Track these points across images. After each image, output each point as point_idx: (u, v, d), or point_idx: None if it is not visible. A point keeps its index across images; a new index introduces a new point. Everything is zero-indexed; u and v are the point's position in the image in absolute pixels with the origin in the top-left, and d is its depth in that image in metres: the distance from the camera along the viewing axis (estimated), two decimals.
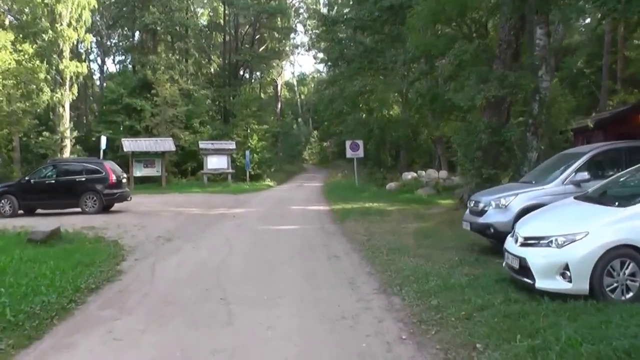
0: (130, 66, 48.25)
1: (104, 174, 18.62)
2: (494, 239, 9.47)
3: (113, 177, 18.61)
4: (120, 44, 52.25)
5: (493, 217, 9.36)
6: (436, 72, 17.27)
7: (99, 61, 54.75)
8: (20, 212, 18.77)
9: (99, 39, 52.51)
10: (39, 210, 19.06)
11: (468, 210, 10.34)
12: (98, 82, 55.02)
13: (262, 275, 8.83)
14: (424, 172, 26.78)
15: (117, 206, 20.14)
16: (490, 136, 12.96)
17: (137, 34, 49.71)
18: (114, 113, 40.03)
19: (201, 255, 10.84)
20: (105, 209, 19.16)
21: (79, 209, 18.56)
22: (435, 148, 36.47)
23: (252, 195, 28.42)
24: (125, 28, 48.10)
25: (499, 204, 9.38)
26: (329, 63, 40.61)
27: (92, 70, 54.94)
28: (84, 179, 18.60)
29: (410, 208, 18.50)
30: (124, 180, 19.69)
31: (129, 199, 19.72)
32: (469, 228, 9.91)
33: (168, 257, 10.62)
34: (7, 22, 29.38)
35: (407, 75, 28.50)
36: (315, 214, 18.25)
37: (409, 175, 26.94)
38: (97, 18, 49.27)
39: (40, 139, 32.85)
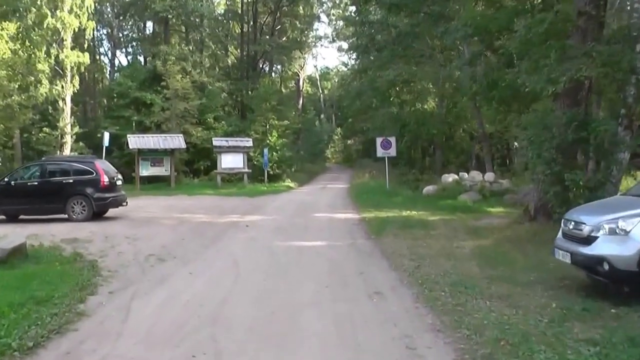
0: (141, 58, 46.09)
1: (94, 175, 16.21)
2: (609, 279, 6.75)
3: (105, 179, 16.18)
4: (131, 35, 50.07)
5: (608, 247, 6.59)
6: (493, 53, 14.65)
7: (109, 54, 52.79)
8: (1, 217, 16.57)
9: (109, 30, 50.56)
10: (23, 217, 16.76)
11: (562, 232, 7.58)
12: (109, 76, 52.96)
13: (277, 330, 6.25)
14: (466, 174, 24.04)
15: (113, 211, 17.77)
16: (574, 131, 10.23)
17: (149, 25, 47.81)
18: (122, 108, 37.92)
19: (197, 287, 8.32)
20: (98, 215, 16.80)
21: (66, 216, 16.20)
22: (473, 146, 33.83)
23: (270, 199, 25.89)
24: (136, 17, 45.82)
25: (617, 229, 6.63)
26: (357, 51, 37.79)
27: (104, 64, 53.24)
28: (71, 181, 16.23)
29: (457, 219, 15.84)
30: (119, 183, 17.22)
31: (124, 203, 17.28)
32: (569, 260, 7.11)
33: (152, 290, 8.13)
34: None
35: (446, 64, 25.89)
36: (343, 225, 15.63)
37: (449, 178, 24.23)
38: (108, 9, 47.36)
39: (40, 134, 30.79)
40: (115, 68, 49.61)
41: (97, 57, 51.34)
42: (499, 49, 13.41)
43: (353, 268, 9.50)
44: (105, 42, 52.80)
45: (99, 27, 49.15)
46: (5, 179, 16.68)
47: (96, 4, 44.69)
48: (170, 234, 14.05)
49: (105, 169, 16.68)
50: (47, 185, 16.20)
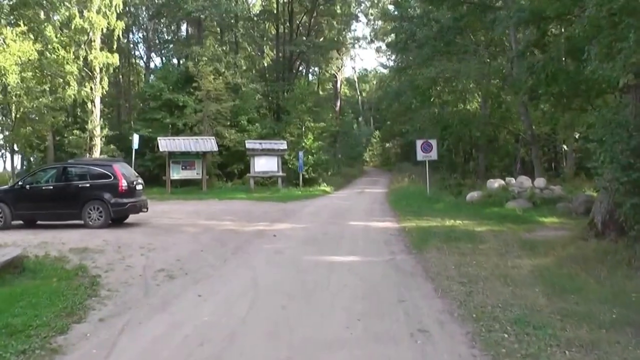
0: (174, 60, 45.26)
1: (112, 179, 15.01)
2: None
3: (123, 183, 14.95)
4: (165, 37, 49.35)
5: None
6: (548, 42, 12.98)
7: (145, 57, 52.19)
8: (19, 222, 15.55)
9: (145, 34, 50.03)
10: (40, 222, 15.72)
11: None
12: (144, 79, 52.43)
13: None
14: (512, 179, 22.16)
15: (135, 217, 16.60)
16: None
17: (183, 27, 46.95)
18: (154, 110, 37.02)
19: (203, 315, 6.90)
20: (117, 221, 15.65)
21: (82, 222, 15.07)
22: (518, 149, 31.84)
23: (304, 204, 24.49)
24: (169, 18, 44.99)
25: None
26: (397, 48, 36.10)
27: (140, 67, 52.72)
28: (87, 185, 15.08)
29: (507, 230, 14.09)
30: (139, 187, 15.96)
31: (144, 209, 16.06)
32: None
33: (150, 319, 6.78)
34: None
35: (491, 59, 24.14)
36: (381, 235, 14.05)
37: (495, 184, 22.33)
38: (143, 12, 46.76)
39: (70, 137, 30.05)
40: (150, 71, 49.00)
41: (133, 60, 50.94)
42: (556, 37, 11.66)
43: (392, 292, 7.96)
44: (140, 45, 52.37)
45: (134, 30, 48.86)
46: (20, 183, 15.67)
47: (131, 7, 44.44)
48: (189, 244, 12.75)
49: (124, 172, 15.45)
50: (63, 190, 15.08)
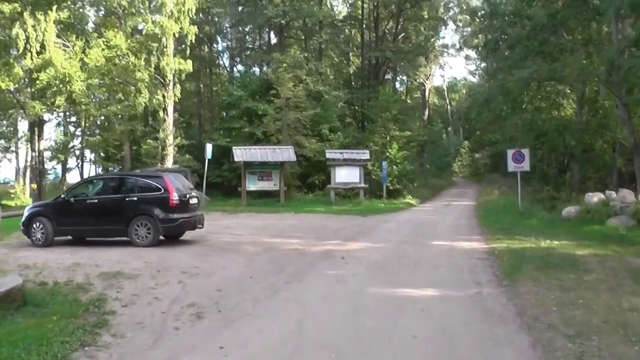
0: (255, 68, 44.31)
1: (162, 192, 13.38)
2: None
3: (174, 197, 13.26)
4: (247, 45, 48.55)
5: None
6: None
7: (229, 66, 51.63)
8: (67, 238, 14.30)
9: (229, 43, 49.57)
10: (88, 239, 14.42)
11: None
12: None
13: None
14: (613, 193, 19.08)
15: (193, 233, 14.98)
16: None
17: (267, 34, 45.97)
18: (233, 119, 35.97)
19: None
20: (171, 238, 14.08)
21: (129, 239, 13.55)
22: (615, 159, 28.26)
23: (385, 219, 22.29)
24: (251, 25, 44.08)
25: None
26: (486, 49, 33.33)
27: (223, 76, 52.29)
28: (135, 199, 13.49)
29: (613, 254, 11.45)
30: (193, 201, 14.23)
31: (199, 226, 14.34)
32: None
33: None
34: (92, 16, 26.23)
35: (590, 58, 21.24)
36: (466, 259, 11.62)
37: (593, 197, 19.39)
38: (226, 22, 46.23)
39: (144, 146, 29.34)
40: (232, 79, 48.43)
41: (217, 69, 50.55)
42: None
43: (475, 350, 5.72)
44: (225, 55, 51.95)
45: (218, 39, 48.48)
46: (62, 195, 14.36)
47: (215, 17, 43.98)
48: (240, 268, 10.88)
49: (176, 185, 13.81)
50: (108, 204, 13.59)
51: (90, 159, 28.76)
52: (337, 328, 6.69)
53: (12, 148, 36.77)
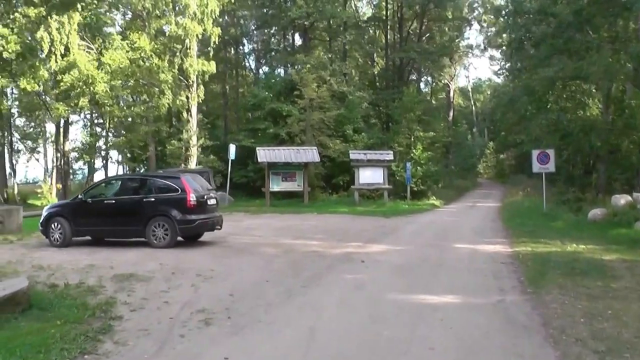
0: (280, 70, 43.96)
1: (179, 192, 13.03)
2: None
3: (192, 198, 12.88)
4: (272, 46, 48.23)
5: None
6: None
7: (254, 68, 51.40)
8: (87, 238, 14.05)
9: (255, 45, 49.35)
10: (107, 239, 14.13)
11: None
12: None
13: None
14: None
15: (213, 235, 14.60)
16: None
17: (291, 36, 45.63)
18: (258, 120, 35.68)
19: None
20: (190, 239, 13.74)
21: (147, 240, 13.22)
22: None
23: (408, 220, 21.74)
24: (275, 27, 43.76)
25: None
26: (510, 47, 32.62)
27: (249, 77, 52.11)
28: (152, 200, 13.16)
29: None
30: (211, 202, 13.84)
31: (217, 227, 13.95)
32: None
33: None
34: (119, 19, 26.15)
35: (618, 56, 20.47)
36: (490, 264, 11.03)
37: (621, 200, 18.69)
38: (252, 24, 46.00)
39: (169, 147, 29.16)
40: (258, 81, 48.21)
41: (243, 71, 50.36)
42: None
43: None
44: (251, 56, 51.73)
45: (244, 42, 48.29)
46: (80, 196, 14.09)
47: (240, 20, 43.78)
48: (257, 270, 10.47)
49: (194, 186, 13.44)
50: (125, 204, 13.31)
51: (116, 160, 28.89)
52: (351, 338, 6.22)
53: (40, 149, 37.15)
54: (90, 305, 7.65)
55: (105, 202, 13.54)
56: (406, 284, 9.12)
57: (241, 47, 48.65)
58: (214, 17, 27.26)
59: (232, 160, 26.94)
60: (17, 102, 32.81)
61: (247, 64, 51.52)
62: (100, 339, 6.22)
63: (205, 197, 13.50)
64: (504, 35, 39.03)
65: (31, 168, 69.70)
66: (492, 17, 47.97)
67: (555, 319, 6.73)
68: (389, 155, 31.04)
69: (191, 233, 13.42)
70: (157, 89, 25.57)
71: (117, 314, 7.24)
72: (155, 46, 25.58)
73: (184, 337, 6.32)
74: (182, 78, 27.93)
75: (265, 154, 28.32)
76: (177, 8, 27.26)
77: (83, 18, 25.88)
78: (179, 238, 13.31)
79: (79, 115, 32.14)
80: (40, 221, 13.89)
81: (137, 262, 11.10)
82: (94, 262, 11.05)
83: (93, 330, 6.49)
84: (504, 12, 32.34)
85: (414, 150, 34.60)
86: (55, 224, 13.45)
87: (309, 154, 29.10)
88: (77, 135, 38.19)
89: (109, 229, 13.45)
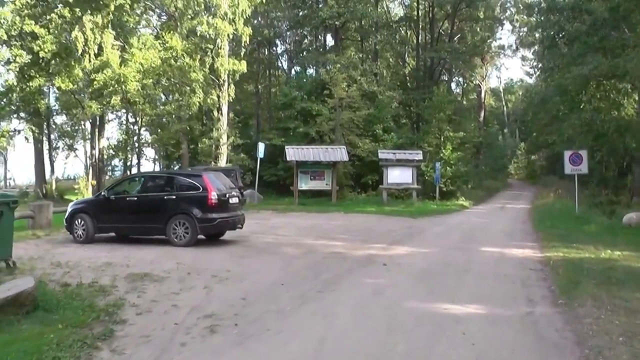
0: (311, 70, 43.41)
1: (201, 190, 12.58)
2: None
3: (213, 196, 12.41)
4: (304, 46, 47.72)
5: None
6: None
7: (287, 68, 50.98)
8: (111, 235, 13.74)
9: (288, 46, 48.89)
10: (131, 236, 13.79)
11: None
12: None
13: None
14: None
15: (235, 233, 14.15)
16: None
17: (323, 36, 45.06)
18: (288, 119, 35.24)
19: None
20: (213, 237, 13.32)
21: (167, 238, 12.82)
22: None
23: (435, 221, 21.00)
24: (307, 27, 43.22)
25: None
26: (543, 45, 31.48)
27: (282, 77, 51.75)
28: (173, 198, 12.72)
29: None
30: (233, 201, 13.33)
31: (239, 226, 13.45)
32: None
33: None
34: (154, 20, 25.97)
35: None
36: (518, 269, 10.30)
37: None
38: (284, 24, 45.58)
39: (200, 145, 28.90)
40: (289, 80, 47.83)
41: (276, 71, 50.02)
42: None
43: None
44: (284, 57, 51.32)
45: (277, 43, 47.91)
46: (103, 193, 13.79)
47: (274, 21, 43.40)
48: (274, 272, 9.94)
49: (216, 184, 12.98)
50: (146, 202, 12.93)
51: (150, 157, 28.91)
52: (363, 352, 5.63)
53: (77, 146, 37.46)
54: (97, 307, 7.22)
55: (128, 199, 13.18)
56: (428, 290, 8.47)
57: (274, 48, 48.26)
58: (244, 17, 26.81)
59: (261, 158, 26.53)
60: (57, 101, 33.18)
61: (280, 64, 51.18)
62: (98, 346, 5.78)
63: (227, 195, 13.01)
64: (536, 34, 37.81)
65: (70, 165, 70.84)
66: (524, 16, 46.69)
67: (590, 337, 5.97)
68: (418, 155, 30.25)
69: (212, 232, 12.96)
70: (188, 88, 25.27)
71: (122, 318, 6.81)
72: (187, 46, 25.30)
73: (185, 345, 5.83)
74: (213, 77, 27.59)
75: (294, 153, 27.84)
76: (210, 9, 26.92)
77: (116, 19, 25.82)
78: (201, 236, 12.92)
79: (115, 114, 32.49)
80: (65, 217, 13.63)
81: (154, 260, 10.69)
82: (112, 259, 10.68)
83: (93, 336, 6.04)
84: (536, 9, 31.25)
85: (443, 150, 33.75)
86: (79, 221, 13.16)
87: (338, 153, 28.52)
88: (114, 133, 38.49)
89: (131, 226, 13.10)
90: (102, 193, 13.81)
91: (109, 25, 24.74)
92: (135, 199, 13.11)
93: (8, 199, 9.66)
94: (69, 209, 13.78)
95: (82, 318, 6.65)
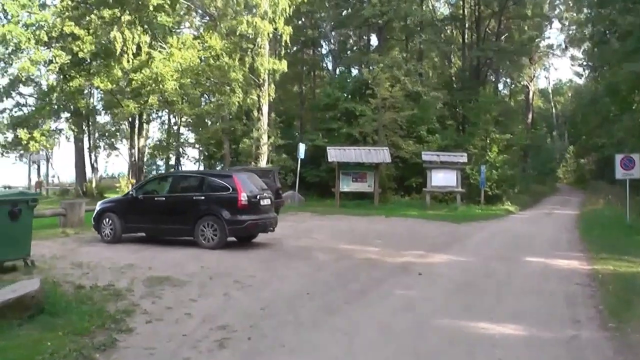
0: (355, 70, 42.74)
1: (230, 191, 12.05)
2: None
3: (243, 198, 11.88)
4: (348, 46, 47.07)
5: None
6: None
7: (331, 68, 50.40)
8: (142, 235, 13.39)
9: (333, 47, 48.33)
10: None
11: None
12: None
13: None
14: None
15: (267, 236, 13.59)
16: None
17: (366, 36, 44.30)
18: (331, 119, 34.63)
19: None
20: (244, 240, 12.82)
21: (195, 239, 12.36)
22: None
23: (479, 227, 20.02)
24: (351, 27, 42.55)
25: None
26: (593, 40, 29.99)
27: (326, 77, 51.22)
28: (202, 198, 12.24)
29: None
30: (265, 202, 12.75)
31: (270, 229, 12.87)
32: None
33: None
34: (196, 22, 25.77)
35: None
36: (563, 284, 9.40)
37: None
38: (327, 25, 45.07)
39: (241, 145, 28.60)
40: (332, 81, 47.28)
41: (320, 72, 49.53)
42: None
43: None
44: (329, 57, 50.79)
45: (322, 43, 47.46)
46: (131, 192, 13.45)
47: (319, 21, 42.93)
48: (300, 279, 9.36)
49: (246, 185, 12.45)
50: (175, 202, 12.48)
51: (193, 158, 28.90)
52: None
53: (118, 145, 37.88)
54: (106, 312, 6.82)
55: (156, 199, 12.80)
56: (463, 306, 7.70)
57: (319, 49, 47.79)
58: (285, 15, 26.33)
59: (301, 159, 26.03)
60: (101, 101, 33.56)
61: (324, 65, 50.64)
62: (95, 358, 5.32)
63: (259, 197, 12.44)
64: (586, 31, 36.09)
65: (112, 163, 72.08)
66: (573, 14, 44.83)
67: None
68: (463, 158, 29.23)
69: (241, 234, 12.43)
70: (227, 88, 24.97)
71: (129, 326, 6.36)
72: (226, 45, 25.01)
73: None
74: (252, 77, 27.22)
75: (335, 154, 27.20)
76: (251, 10, 26.55)
77: (154, 19, 25.81)
78: (232, 239, 12.43)
79: (155, 114, 32.60)
80: (93, 216, 13.35)
81: (178, 263, 10.25)
82: (135, 261, 10.27)
83: (92, 345, 5.60)
84: (586, 3, 29.76)
85: (489, 153, 32.56)
86: (107, 220, 12.83)
87: (380, 155, 27.74)
88: (155, 132, 38.77)
89: (158, 227, 12.67)
90: (131, 192, 13.50)
91: (145, 26, 24.73)
92: (163, 199, 12.71)
93: (27, 196, 9.36)
94: (97, 207, 13.47)
95: (86, 325, 6.24)
